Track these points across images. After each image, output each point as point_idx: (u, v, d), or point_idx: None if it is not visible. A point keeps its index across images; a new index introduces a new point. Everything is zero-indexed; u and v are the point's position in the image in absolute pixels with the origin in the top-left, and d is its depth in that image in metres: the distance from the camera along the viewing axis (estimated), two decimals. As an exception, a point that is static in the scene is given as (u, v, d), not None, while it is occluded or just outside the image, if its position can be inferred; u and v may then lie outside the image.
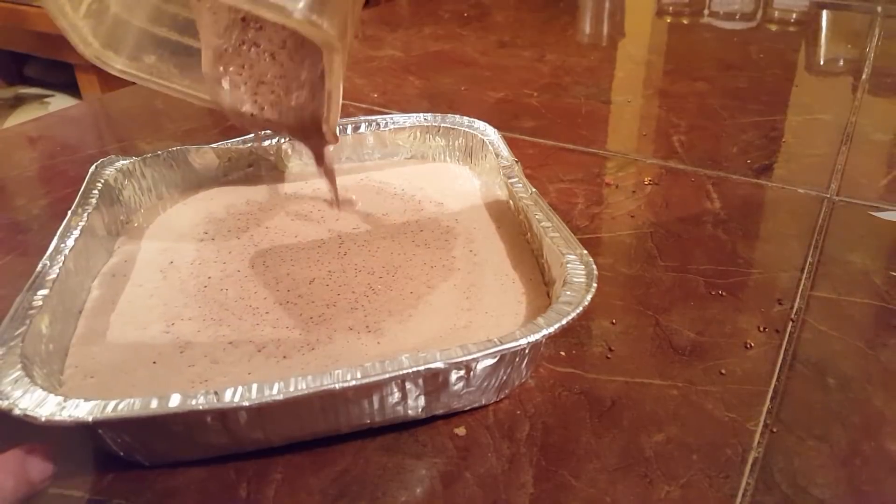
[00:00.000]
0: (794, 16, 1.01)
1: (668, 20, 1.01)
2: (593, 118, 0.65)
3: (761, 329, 0.37)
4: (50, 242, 0.36)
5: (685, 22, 0.99)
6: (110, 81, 1.40)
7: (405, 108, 0.66)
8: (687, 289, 0.41)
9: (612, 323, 0.38)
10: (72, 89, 1.48)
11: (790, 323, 0.38)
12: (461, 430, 0.31)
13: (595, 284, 0.33)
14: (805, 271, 0.42)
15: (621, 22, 1.01)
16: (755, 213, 0.49)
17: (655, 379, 0.34)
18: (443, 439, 0.31)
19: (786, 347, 0.36)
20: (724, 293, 0.40)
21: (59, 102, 1.53)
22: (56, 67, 1.51)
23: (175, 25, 0.41)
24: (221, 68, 0.40)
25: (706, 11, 1.02)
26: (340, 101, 0.37)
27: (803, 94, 0.73)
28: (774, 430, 0.31)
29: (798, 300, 0.40)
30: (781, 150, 0.59)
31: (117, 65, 0.39)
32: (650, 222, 0.47)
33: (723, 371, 0.35)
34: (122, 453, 0.29)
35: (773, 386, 0.34)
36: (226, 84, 0.39)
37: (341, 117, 0.51)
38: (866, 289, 0.41)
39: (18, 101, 1.56)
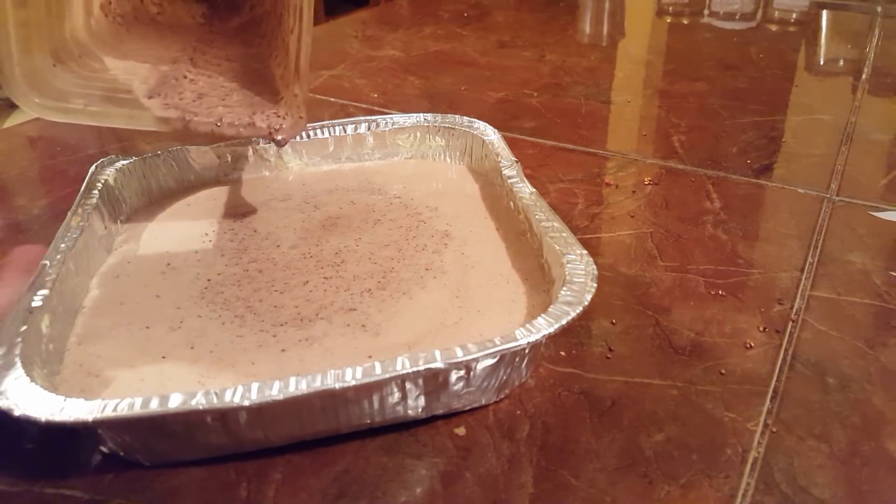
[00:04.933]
0: (794, 16, 1.01)
1: (668, 20, 1.01)
2: (593, 118, 0.65)
3: (761, 329, 0.37)
4: (50, 242, 0.36)
5: (685, 22, 0.99)
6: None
7: (405, 108, 0.66)
8: (687, 289, 0.41)
9: (612, 323, 0.38)
10: (72, 89, 1.48)
11: (790, 323, 0.38)
12: (461, 430, 0.31)
13: (595, 284, 0.33)
14: (805, 271, 0.42)
15: (621, 22, 1.01)
16: (755, 213, 0.49)
17: (655, 379, 0.34)
18: (443, 439, 0.31)
19: (786, 347, 0.36)
20: (724, 293, 0.40)
21: (60, 102, 1.53)
22: (56, 67, 1.51)
23: (102, 88, 0.40)
24: (162, 97, 0.39)
25: (706, 11, 1.02)
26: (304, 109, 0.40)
27: (803, 94, 0.73)
28: (774, 430, 0.31)
29: (798, 300, 0.40)
30: (781, 150, 0.59)
31: (44, 108, 0.37)
32: (650, 222, 0.47)
33: (723, 371, 0.35)
34: (122, 453, 0.29)
35: (773, 386, 0.34)
36: (169, 106, 0.39)
37: (341, 117, 0.52)
38: (866, 289, 0.41)
39: (18, 101, 1.56)
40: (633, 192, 0.51)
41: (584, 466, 0.30)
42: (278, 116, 0.40)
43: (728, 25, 0.97)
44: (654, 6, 1.06)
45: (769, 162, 0.56)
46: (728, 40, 0.90)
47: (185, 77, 0.41)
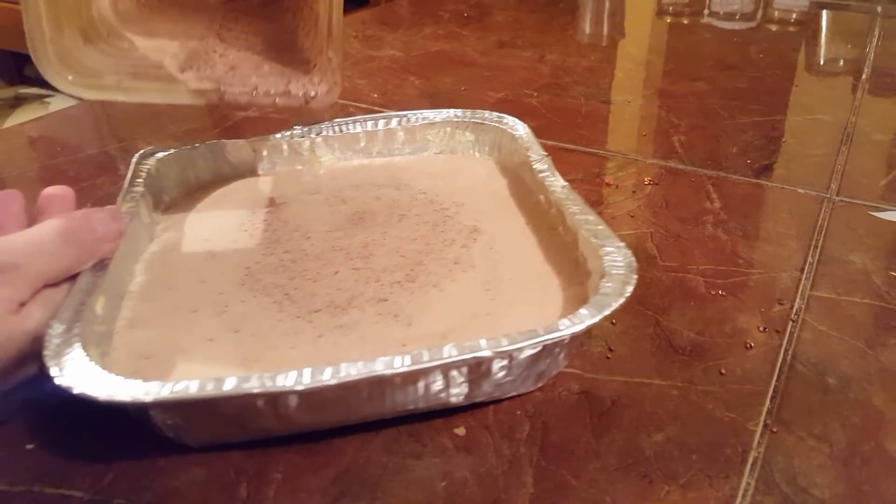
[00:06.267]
0: (794, 16, 1.01)
1: (668, 20, 1.01)
2: (593, 118, 0.65)
3: (761, 329, 0.37)
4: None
5: (685, 22, 0.99)
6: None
7: (405, 108, 0.65)
8: (687, 289, 0.41)
9: (612, 323, 0.38)
10: (72, 89, 1.48)
11: (790, 323, 0.38)
12: (461, 430, 0.31)
13: (635, 276, 0.33)
14: (805, 271, 0.42)
15: (621, 22, 1.01)
16: (755, 213, 0.49)
17: (655, 379, 0.34)
18: (443, 439, 0.31)
19: (786, 347, 0.36)
20: (724, 293, 0.40)
21: (59, 102, 1.53)
22: (56, 67, 1.51)
23: (132, 65, 0.40)
24: (195, 70, 0.40)
25: (706, 11, 1.02)
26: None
27: (803, 94, 0.73)
28: (774, 430, 0.31)
29: (798, 300, 0.40)
30: (781, 150, 0.59)
31: (77, 85, 0.37)
32: (650, 222, 0.47)
33: (723, 371, 0.35)
34: (171, 435, 0.30)
35: (773, 386, 0.34)
36: (203, 78, 0.39)
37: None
38: (866, 289, 0.41)
39: (18, 101, 1.56)
40: (633, 192, 0.51)
41: (584, 466, 0.30)
42: (313, 83, 0.40)
43: (728, 25, 0.97)
44: (654, 6, 1.06)
45: (769, 162, 0.56)
46: (728, 40, 0.90)
47: (215, 52, 0.42)
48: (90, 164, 0.45)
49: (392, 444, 0.31)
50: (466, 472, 0.29)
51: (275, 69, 0.41)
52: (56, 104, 1.52)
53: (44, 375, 0.28)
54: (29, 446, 0.31)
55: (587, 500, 0.28)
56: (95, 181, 0.52)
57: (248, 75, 0.40)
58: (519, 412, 0.32)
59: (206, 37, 0.43)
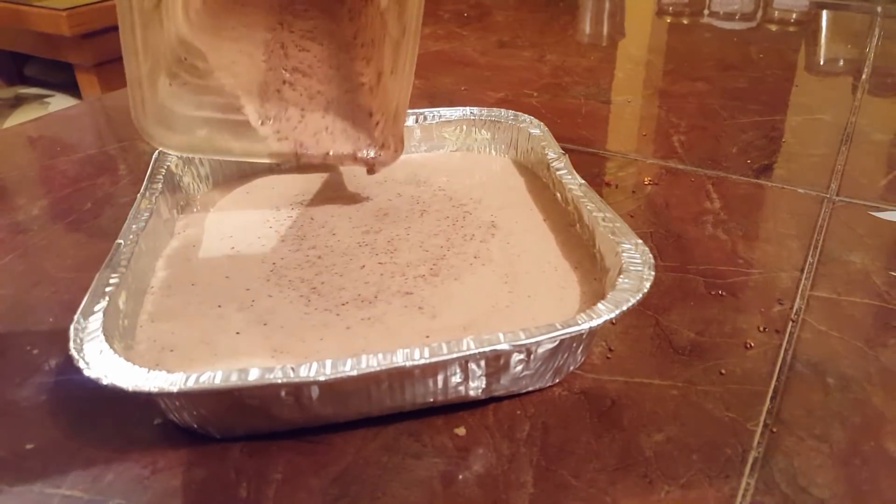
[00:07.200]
0: (794, 16, 1.01)
1: (668, 20, 1.01)
2: (593, 118, 0.65)
3: (761, 329, 0.37)
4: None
5: (685, 22, 0.99)
6: (110, 81, 1.40)
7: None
8: (687, 289, 0.41)
9: (612, 323, 0.38)
10: (72, 89, 1.49)
11: (790, 323, 0.38)
12: (461, 431, 0.31)
13: (653, 273, 0.33)
14: (805, 271, 0.42)
15: (621, 22, 1.01)
16: (755, 213, 0.49)
17: (655, 379, 0.34)
18: (443, 439, 0.31)
19: (786, 347, 0.36)
20: (724, 293, 0.40)
21: (59, 102, 1.53)
22: (56, 67, 1.51)
23: (216, 106, 0.43)
24: (269, 115, 0.43)
25: (706, 11, 1.02)
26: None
27: (803, 94, 0.73)
28: (774, 430, 0.31)
29: (798, 300, 0.40)
30: (781, 150, 0.59)
31: (173, 142, 0.41)
32: (650, 222, 0.47)
33: (723, 371, 0.35)
34: (195, 425, 0.30)
35: (773, 386, 0.34)
36: (282, 138, 0.43)
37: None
38: (866, 289, 0.41)
39: (18, 101, 1.56)
40: (633, 192, 0.51)
41: (584, 466, 0.30)
42: (377, 148, 0.44)
43: (728, 25, 0.97)
44: (654, 6, 1.06)
45: (769, 162, 0.56)
46: (728, 40, 0.90)
47: (285, 83, 0.45)
48: (90, 164, 0.44)
49: (392, 444, 0.31)
50: (466, 472, 0.29)
51: (340, 115, 0.44)
52: (56, 104, 1.52)
53: (71, 368, 0.28)
54: (29, 446, 0.31)
55: (587, 500, 0.28)
56: (95, 181, 0.52)
57: (320, 129, 0.44)
58: (519, 412, 0.32)
59: (273, 49, 0.46)
